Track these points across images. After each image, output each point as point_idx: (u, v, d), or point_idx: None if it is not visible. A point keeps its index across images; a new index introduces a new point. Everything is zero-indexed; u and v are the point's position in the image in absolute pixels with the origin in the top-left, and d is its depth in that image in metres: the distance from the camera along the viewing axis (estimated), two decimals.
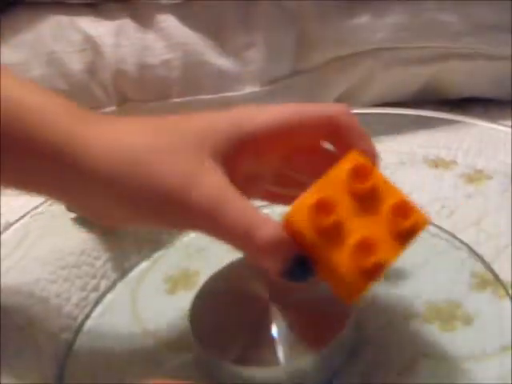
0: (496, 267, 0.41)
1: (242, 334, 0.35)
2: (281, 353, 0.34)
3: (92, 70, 0.59)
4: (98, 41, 0.59)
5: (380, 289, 0.40)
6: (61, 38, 0.60)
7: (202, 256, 0.46)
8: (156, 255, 0.47)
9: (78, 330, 0.41)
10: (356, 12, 0.61)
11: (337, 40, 0.61)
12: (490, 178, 0.51)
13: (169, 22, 0.60)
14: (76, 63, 0.59)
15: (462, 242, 0.44)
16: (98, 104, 0.59)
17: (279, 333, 0.35)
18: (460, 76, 0.65)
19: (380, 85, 0.65)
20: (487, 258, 0.42)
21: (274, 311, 0.36)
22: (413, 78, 0.65)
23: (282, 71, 0.61)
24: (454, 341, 0.36)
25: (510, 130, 0.51)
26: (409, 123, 0.65)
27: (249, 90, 0.61)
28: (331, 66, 0.62)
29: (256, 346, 0.34)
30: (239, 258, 0.40)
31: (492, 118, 0.63)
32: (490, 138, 0.59)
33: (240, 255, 0.39)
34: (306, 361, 0.34)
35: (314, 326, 0.35)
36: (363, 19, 0.61)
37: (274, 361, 0.33)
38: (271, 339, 0.34)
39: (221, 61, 0.59)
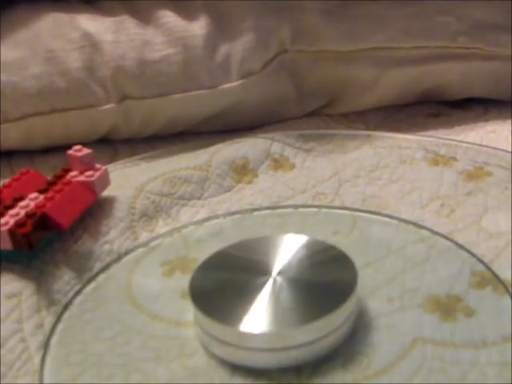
0: (496, 266, 0.41)
1: (242, 302, 0.36)
2: (279, 321, 0.34)
3: (91, 68, 0.59)
4: (97, 37, 0.59)
5: (380, 284, 0.40)
6: (59, 35, 0.59)
7: (202, 246, 0.46)
8: (153, 244, 0.47)
9: (69, 302, 0.41)
10: (353, 11, 0.62)
11: (334, 36, 0.61)
12: (489, 174, 0.51)
13: (168, 17, 0.60)
14: (75, 61, 0.59)
15: (462, 242, 0.43)
16: (97, 101, 0.59)
17: (280, 302, 0.35)
18: (458, 76, 0.65)
19: (378, 85, 0.65)
20: (487, 257, 0.42)
21: (276, 284, 0.37)
22: (410, 78, 0.65)
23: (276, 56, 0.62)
24: (454, 329, 0.36)
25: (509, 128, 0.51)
26: (409, 121, 0.65)
27: (246, 78, 0.61)
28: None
29: (255, 313, 0.35)
30: (243, 239, 0.41)
31: (492, 118, 0.63)
32: (490, 135, 0.59)
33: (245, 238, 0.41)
34: (303, 331, 0.34)
35: (313, 299, 0.36)
36: (361, 18, 0.61)
37: (273, 328, 0.34)
38: (271, 308, 0.35)
39: (219, 53, 0.59)
